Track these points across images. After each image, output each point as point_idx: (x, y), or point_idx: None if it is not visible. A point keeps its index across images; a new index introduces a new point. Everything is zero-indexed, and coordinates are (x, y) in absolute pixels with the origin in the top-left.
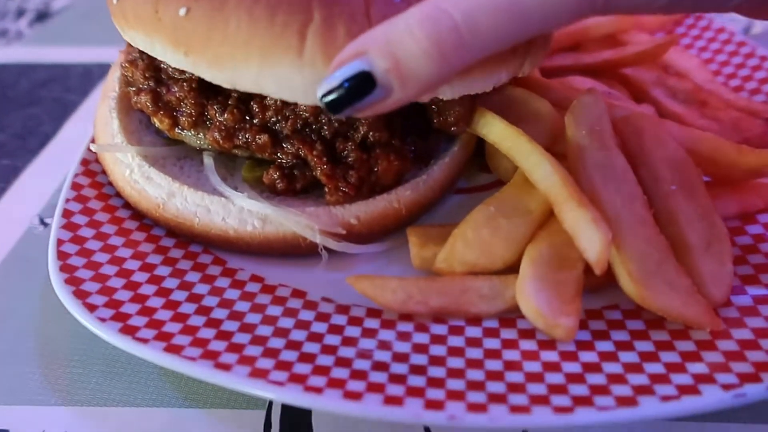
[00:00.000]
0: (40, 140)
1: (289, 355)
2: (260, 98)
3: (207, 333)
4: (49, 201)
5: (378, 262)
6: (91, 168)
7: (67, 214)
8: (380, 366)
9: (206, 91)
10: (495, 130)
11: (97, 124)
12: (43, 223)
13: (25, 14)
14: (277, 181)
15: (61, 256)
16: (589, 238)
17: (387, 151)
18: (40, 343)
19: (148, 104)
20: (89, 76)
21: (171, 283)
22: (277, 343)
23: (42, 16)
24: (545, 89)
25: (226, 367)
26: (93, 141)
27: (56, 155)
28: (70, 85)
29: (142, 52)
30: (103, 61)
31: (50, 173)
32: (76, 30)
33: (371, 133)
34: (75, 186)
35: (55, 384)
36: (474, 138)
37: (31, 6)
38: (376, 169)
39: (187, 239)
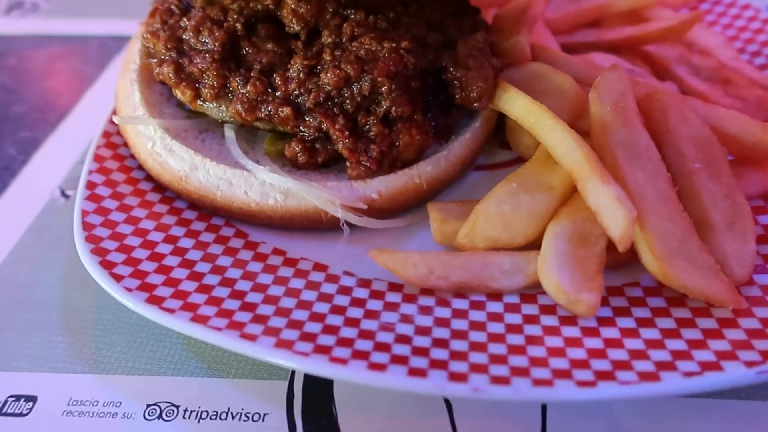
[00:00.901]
0: (58, 113)
1: (313, 327)
2: (283, 70)
3: (232, 304)
4: (70, 173)
5: (399, 236)
6: (113, 140)
7: (90, 185)
8: (403, 339)
9: (229, 63)
10: (518, 105)
11: (118, 96)
12: (64, 195)
13: None
14: (299, 155)
15: (87, 227)
16: (613, 216)
17: (409, 125)
18: (65, 313)
19: (171, 75)
20: (106, 48)
21: (195, 255)
22: (300, 315)
23: None
24: (567, 65)
25: (251, 338)
26: (114, 113)
27: (75, 128)
28: (87, 58)
29: (164, 23)
30: (119, 34)
31: (70, 146)
32: (90, 2)
33: (394, 108)
34: (98, 158)
35: (81, 352)
36: (495, 114)
37: None
38: (397, 144)
39: (209, 212)
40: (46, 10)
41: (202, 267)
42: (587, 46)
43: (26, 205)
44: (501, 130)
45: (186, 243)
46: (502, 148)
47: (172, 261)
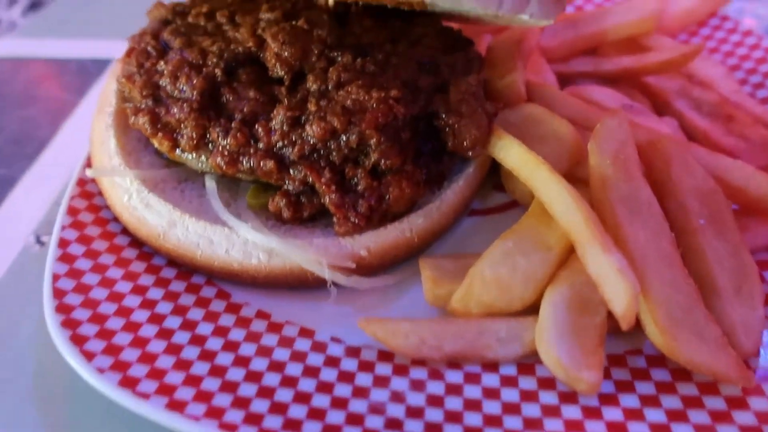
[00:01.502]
0: (36, 145)
1: (298, 411)
2: (266, 120)
3: (211, 384)
4: (46, 217)
5: (389, 294)
6: (88, 189)
7: (63, 243)
8: (394, 424)
9: (208, 112)
10: (513, 154)
11: (93, 141)
12: (39, 241)
13: (18, 1)
14: (284, 209)
15: (57, 293)
16: (615, 289)
17: (399, 177)
18: (37, 376)
19: (147, 126)
20: (85, 72)
21: (173, 322)
22: (285, 395)
23: (36, 3)
24: (564, 105)
25: (231, 428)
26: (89, 161)
27: (53, 164)
28: (66, 83)
29: (140, 65)
30: (99, 56)
31: (46, 185)
32: (70, 19)
33: (383, 160)
34: (71, 210)
35: (53, 424)
36: (490, 157)
37: None
38: (387, 197)
39: (190, 269)
40: (24, 28)
41: (181, 337)
42: (584, 76)
43: None
44: (496, 171)
45: (164, 308)
46: (497, 190)
47: (148, 331)
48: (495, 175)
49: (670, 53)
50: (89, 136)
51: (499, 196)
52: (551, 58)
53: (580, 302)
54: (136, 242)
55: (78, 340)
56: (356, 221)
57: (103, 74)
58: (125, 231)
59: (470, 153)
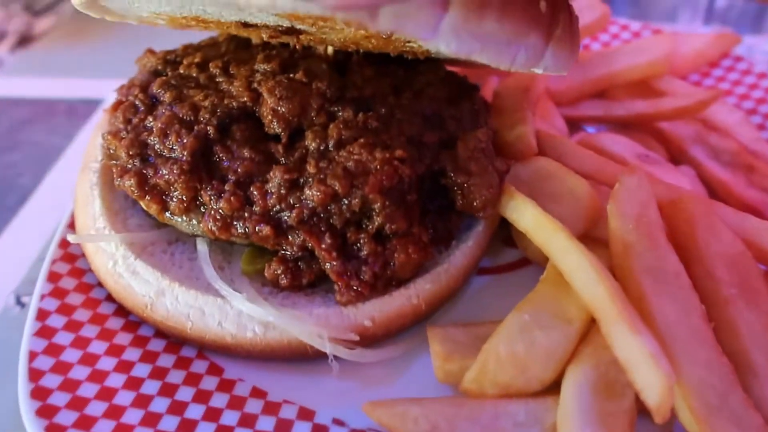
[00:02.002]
0: (18, 195)
1: None
2: (261, 182)
3: None
4: (27, 274)
5: (395, 366)
6: (71, 251)
7: (42, 315)
8: None
9: (200, 173)
10: (527, 216)
11: (77, 200)
12: (19, 302)
13: (6, 38)
14: (281, 277)
15: (33, 375)
16: (648, 378)
17: (405, 241)
18: None
19: (133, 189)
20: (74, 114)
21: (160, 405)
22: None
23: (25, 39)
24: (577, 158)
25: None
26: (72, 220)
27: (36, 216)
28: (53, 126)
29: (127, 121)
30: (89, 97)
31: (28, 240)
32: (61, 57)
33: (388, 225)
34: (52, 277)
35: None
36: (499, 213)
37: (12, 28)
38: (392, 263)
39: (179, 341)
40: (10, 66)
41: (169, 423)
42: (594, 120)
43: None
44: (505, 224)
45: (151, 387)
46: (507, 245)
47: (133, 417)
48: (504, 228)
49: (687, 99)
50: (73, 194)
51: (509, 252)
52: (559, 101)
53: (606, 384)
54: (123, 310)
55: (54, 431)
56: (359, 289)
57: (94, 116)
58: (110, 297)
59: (480, 214)
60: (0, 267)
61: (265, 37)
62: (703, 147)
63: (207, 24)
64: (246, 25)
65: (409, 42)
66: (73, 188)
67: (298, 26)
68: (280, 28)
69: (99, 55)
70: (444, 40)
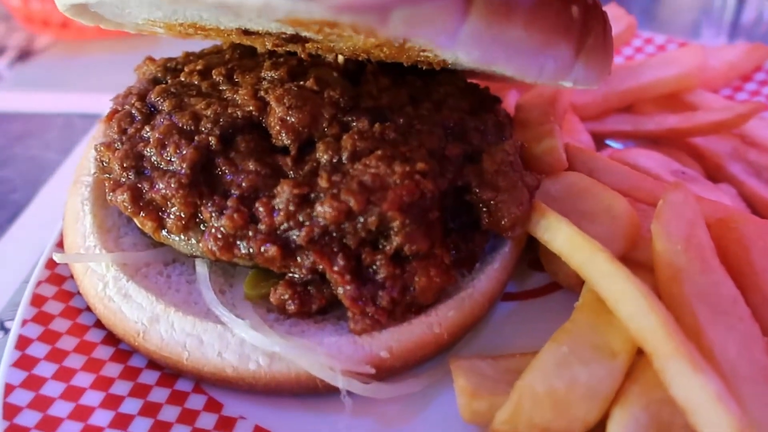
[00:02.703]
0: (10, 212)
1: None
2: (268, 197)
3: None
4: (13, 297)
5: (415, 402)
6: (59, 272)
7: (22, 343)
8: None
9: (199, 188)
10: (561, 236)
11: (66, 217)
12: (3, 328)
13: (6, 52)
14: (288, 302)
15: (8, 412)
16: (714, 422)
17: (426, 264)
18: None
19: (127, 204)
20: (71, 129)
21: None
22: None
23: (24, 54)
24: (610, 173)
25: None
26: (61, 239)
27: (25, 234)
28: (49, 140)
29: (122, 131)
30: (87, 111)
31: (16, 259)
32: (60, 72)
33: (407, 245)
34: (36, 300)
35: None
36: (526, 233)
37: (13, 43)
38: (412, 288)
39: (175, 373)
40: (9, 80)
41: None
42: (621, 136)
43: None
44: (531, 245)
45: (141, 426)
46: (533, 268)
47: None
48: (530, 250)
49: (724, 113)
50: (63, 213)
51: (536, 276)
52: (584, 115)
53: (660, 427)
54: (113, 337)
55: None
56: (375, 317)
57: (91, 131)
58: (99, 323)
59: (509, 234)
60: None
61: (269, 45)
62: (742, 163)
63: (207, 32)
64: (247, 32)
65: (424, 51)
66: (63, 204)
67: (303, 33)
68: (284, 35)
69: (100, 70)
70: (464, 48)
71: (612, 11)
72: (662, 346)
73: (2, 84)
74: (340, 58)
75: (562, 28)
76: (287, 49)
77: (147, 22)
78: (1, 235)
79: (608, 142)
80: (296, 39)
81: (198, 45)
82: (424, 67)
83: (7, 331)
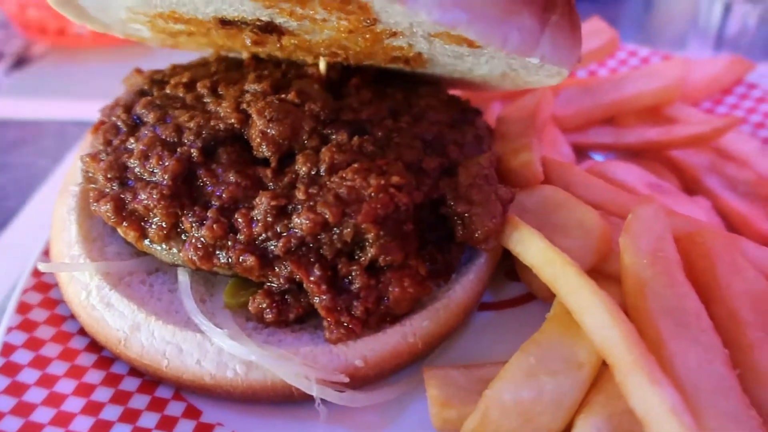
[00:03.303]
0: (2, 219)
1: None
2: (247, 208)
3: None
4: (2, 303)
5: (389, 410)
6: (45, 280)
7: (6, 350)
8: None
9: (181, 198)
10: (533, 249)
11: (53, 226)
12: None
13: (3, 59)
14: (266, 311)
15: None
16: None
17: (400, 274)
18: None
19: (110, 214)
20: (64, 136)
21: None
22: None
23: (21, 61)
24: (586, 188)
25: None
26: (48, 248)
27: (15, 242)
28: (42, 147)
29: (107, 143)
30: (81, 118)
31: (5, 267)
32: (56, 79)
33: (382, 256)
34: (21, 308)
35: None
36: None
37: (10, 50)
38: (386, 298)
39: (155, 380)
40: (5, 87)
41: None
42: (603, 148)
43: None
44: (508, 256)
45: None
46: (510, 278)
47: None
48: (507, 260)
49: (701, 126)
50: (51, 221)
51: (513, 287)
52: (565, 127)
53: None
54: (96, 345)
55: None
56: (350, 326)
57: (84, 138)
58: (83, 331)
59: (483, 246)
60: None
61: (248, 41)
62: (719, 177)
63: (189, 30)
64: (225, 22)
65: (395, 34)
66: (52, 212)
67: (277, 20)
68: (259, 23)
69: (96, 77)
70: (425, 6)
71: (594, 24)
72: (623, 359)
73: (0, 91)
74: (322, 66)
75: None
76: (269, 52)
77: (130, 19)
78: None
79: (591, 153)
80: (272, 28)
81: (189, 58)
82: (407, 69)
83: None
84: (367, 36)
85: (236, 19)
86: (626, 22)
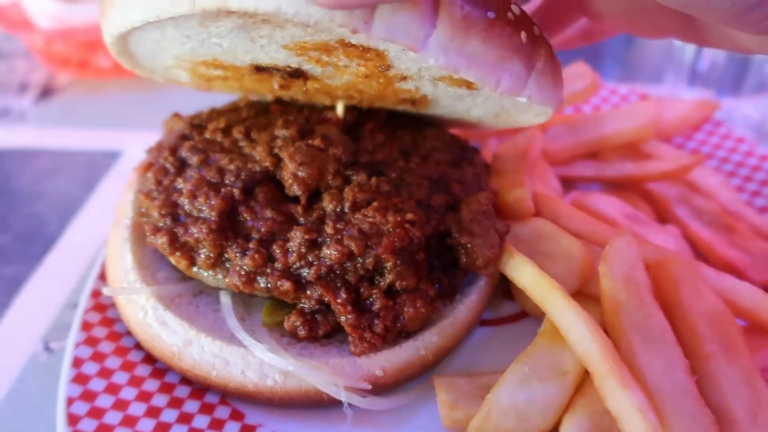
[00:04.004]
0: (43, 244)
1: None
2: (282, 240)
3: None
4: (54, 322)
5: (404, 414)
6: (102, 301)
7: (77, 362)
8: None
9: (226, 231)
10: (525, 275)
11: (109, 254)
12: (47, 348)
13: (29, 89)
14: (299, 329)
15: (72, 420)
16: (636, 429)
17: (413, 297)
18: None
19: (166, 246)
20: (94, 166)
21: None
22: None
23: (47, 92)
24: (571, 220)
25: None
26: (103, 272)
27: (60, 264)
28: (74, 177)
29: (158, 182)
30: (108, 149)
31: (54, 287)
32: (80, 109)
33: (398, 282)
34: (85, 326)
35: None
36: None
37: (34, 80)
38: (402, 317)
39: (203, 387)
40: (34, 118)
41: None
42: (586, 180)
43: (6, 364)
44: (505, 279)
45: None
46: (507, 298)
47: None
48: (504, 282)
49: (671, 163)
50: (105, 249)
51: (509, 305)
52: (553, 161)
53: None
54: (150, 358)
55: None
56: (372, 341)
57: (112, 168)
58: (138, 345)
59: (483, 272)
60: (28, 314)
61: (276, 86)
62: (687, 207)
63: (225, 76)
64: (259, 69)
65: (405, 78)
66: (104, 240)
67: (305, 66)
68: (288, 69)
69: (116, 108)
70: (433, 54)
71: (579, 68)
72: (600, 367)
73: (27, 121)
74: (340, 110)
75: (513, 48)
76: (292, 95)
77: (175, 65)
78: (38, 266)
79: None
80: (299, 74)
81: (205, 97)
82: (410, 108)
83: (51, 351)
84: (381, 80)
85: (269, 65)
86: (608, 58)
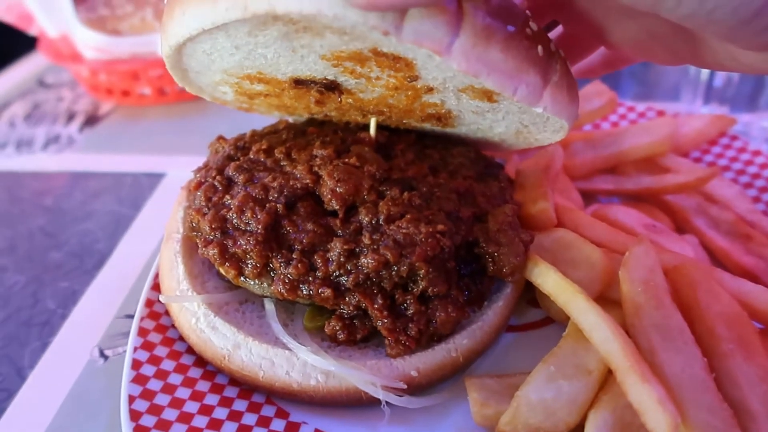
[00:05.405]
0: (95, 260)
1: None
2: (323, 251)
3: None
4: (107, 331)
5: (437, 413)
6: (155, 309)
7: (135, 364)
8: None
9: (271, 243)
10: (550, 281)
11: (162, 267)
12: (102, 355)
13: (76, 117)
14: (339, 333)
15: (134, 416)
16: (657, 420)
17: (445, 302)
18: None
19: (216, 257)
20: (139, 187)
21: None
22: None
23: (92, 119)
24: (592, 230)
25: None
26: (155, 283)
27: (112, 278)
28: (121, 197)
29: (208, 199)
30: (151, 171)
31: (107, 299)
32: (123, 134)
33: (430, 288)
34: (141, 332)
35: None
36: (524, 277)
37: (80, 108)
38: (434, 321)
39: (250, 388)
40: (81, 143)
41: None
42: (606, 193)
43: (65, 369)
44: (530, 287)
45: (230, 428)
46: (532, 305)
47: None
48: (529, 290)
49: (687, 176)
50: (158, 261)
51: (534, 312)
52: (574, 175)
53: (623, 426)
54: (200, 361)
55: None
56: (407, 344)
57: (156, 188)
58: (189, 350)
59: (509, 279)
60: (84, 323)
61: (312, 100)
62: (705, 218)
63: (267, 84)
64: (298, 82)
65: (431, 89)
66: (152, 254)
67: (340, 78)
68: (325, 81)
69: (157, 132)
70: (456, 59)
71: (596, 87)
72: (622, 364)
73: (75, 146)
74: (372, 129)
75: (530, 60)
76: (326, 112)
77: (222, 81)
78: (91, 280)
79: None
80: (334, 86)
81: (237, 124)
82: (435, 126)
83: (106, 357)
84: (409, 93)
85: (308, 78)
86: (626, 76)
